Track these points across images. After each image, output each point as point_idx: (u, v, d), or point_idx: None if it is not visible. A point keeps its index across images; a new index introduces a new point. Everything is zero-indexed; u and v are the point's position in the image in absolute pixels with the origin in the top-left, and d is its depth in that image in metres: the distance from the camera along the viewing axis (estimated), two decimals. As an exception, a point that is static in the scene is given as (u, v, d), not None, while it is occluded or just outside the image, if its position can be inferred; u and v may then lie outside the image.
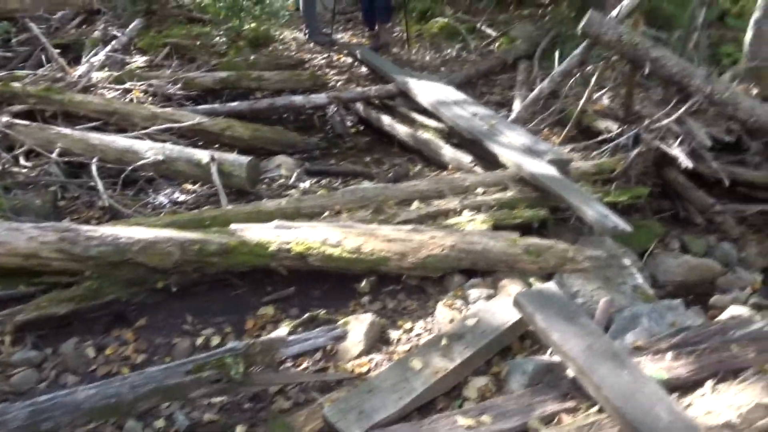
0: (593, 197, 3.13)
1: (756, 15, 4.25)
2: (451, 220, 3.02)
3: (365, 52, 5.85)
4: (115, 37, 5.95)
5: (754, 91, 3.98)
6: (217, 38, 6.00)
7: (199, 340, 2.38)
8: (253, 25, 6.28)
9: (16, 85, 4.10)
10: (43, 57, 5.21)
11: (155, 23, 6.40)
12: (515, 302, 2.05)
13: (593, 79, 4.09)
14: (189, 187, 3.75)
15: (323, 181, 3.95)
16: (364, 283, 2.58)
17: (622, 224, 2.82)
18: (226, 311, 2.52)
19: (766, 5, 4.13)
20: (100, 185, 3.33)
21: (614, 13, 3.90)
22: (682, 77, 3.61)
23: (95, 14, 6.72)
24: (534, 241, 2.66)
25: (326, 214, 3.00)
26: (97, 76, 4.67)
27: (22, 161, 3.56)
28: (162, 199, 3.57)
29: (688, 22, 5.27)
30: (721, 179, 3.58)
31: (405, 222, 2.96)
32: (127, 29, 5.96)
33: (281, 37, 6.58)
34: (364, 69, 5.81)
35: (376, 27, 6.25)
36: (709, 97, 3.56)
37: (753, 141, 3.69)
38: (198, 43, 5.93)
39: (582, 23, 3.72)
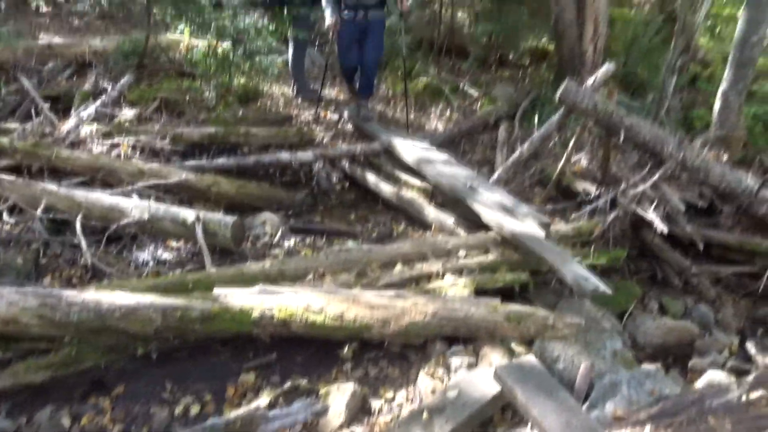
0: (573, 259, 3.19)
1: (723, 86, 4.46)
2: (434, 284, 3.05)
3: (351, 111, 5.98)
4: (105, 90, 6.03)
5: (724, 158, 4.14)
6: (207, 93, 6.10)
7: (178, 409, 2.34)
8: (242, 80, 6.42)
9: (4, 140, 4.11)
10: (33, 109, 5.25)
11: (146, 77, 6.50)
12: (496, 376, 2.07)
13: (571, 142, 4.23)
14: (173, 244, 3.74)
15: (308, 240, 3.97)
16: (346, 349, 2.58)
17: (602, 286, 2.87)
18: (207, 378, 2.49)
19: (731, 77, 4.33)
20: (83, 243, 3.31)
21: (590, 81, 4.07)
22: (656, 144, 3.76)
23: (87, 66, 6.83)
24: (515, 308, 2.69)
25: (310, 276, 3.02)
26: (85, 130, 4.71)
27: (5, 217, 3.54)
28: (145, 256, 3.55)
29: (660, 87, 5.50)
30: (696, 241, 3.68)
31: (388, 286, 2.99)
32: (119, 83, 6.04)
33: (270, 92, 6.71)
34: (350, 126, 5.93)
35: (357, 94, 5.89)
36: (682, 163, 3.70)
37: (724, 205, 3.81)
38: (187, 97, 6.02)
39: (559, 92, 3.87)
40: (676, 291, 3.93)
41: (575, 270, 2.95)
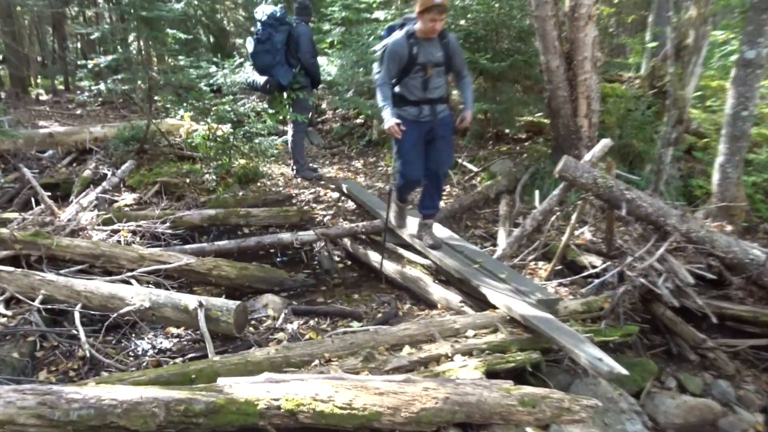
0: (585, 338, 3.18)
1: (719, 159, 4.62)
2: (443, 367, 3.03)
3: (351, 186, 6.13)
4: (105, 175, 6.20)
5: (728, 228, 4.22)
6: (207, 175, 6.28)
7: None
8: (242, 161, 6.61)
9: (4, 231, 4.19)
10: (32, 198, 5.37)
11: (146, 162, 6.70)
12: (515, 465, 2.02)
13: (574, 216, 4.32)
14: (173, 331, 3.73)
15: (311, 322, 3.97)
16: (356, 440, 2.52)
17: (617, 368, 2.85)
18: (210, 476, 2.42)
19: (726, 151, 4.50)
20: (82, 334, 3.32)
21: (587, 156, 4.22)
22: (658, 217, 3.84)
23: (87, 153, 7.05)
24: (529, 390, 2.66)
25: (316, 362, 3.00)
26: (85, 217, 4.80)
27: (2, 309, 3.54)
28: (145, 345, 3.54)
29: (657, 159, 5.68)
30: (708, 314, 3.68)
31: (396, 369, 2.97)
32: (119, 169, 6.22)
33: (269, 172, 6.89)
34: (350, 203, 6.06)
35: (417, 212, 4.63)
36: (686, 236, 3.77)
37: (734, 276, 3.84)
38: (187, 180, 6.20)
39: (558, 167, 4.00)
40: (693, 366, 3.88)
41: (589, 351, 2.94)
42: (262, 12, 6.12)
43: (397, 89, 4.05)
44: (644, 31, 10.48)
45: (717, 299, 3.89)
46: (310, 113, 7.60)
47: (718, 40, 8.62)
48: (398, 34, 3.94)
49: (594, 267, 4.15)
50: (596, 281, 3.94)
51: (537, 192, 5.24)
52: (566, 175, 3.96)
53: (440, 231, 4.69)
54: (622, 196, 3.85)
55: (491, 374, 2.97)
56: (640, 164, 5.91)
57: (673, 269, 3.65)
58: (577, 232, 4.60)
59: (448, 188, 6.32)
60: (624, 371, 2.86)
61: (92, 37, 7.99)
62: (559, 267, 4.42)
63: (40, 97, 12.21)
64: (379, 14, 7.95)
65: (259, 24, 6.11)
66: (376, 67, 4.19)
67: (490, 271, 3.88)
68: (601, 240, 4.59)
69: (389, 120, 3.79)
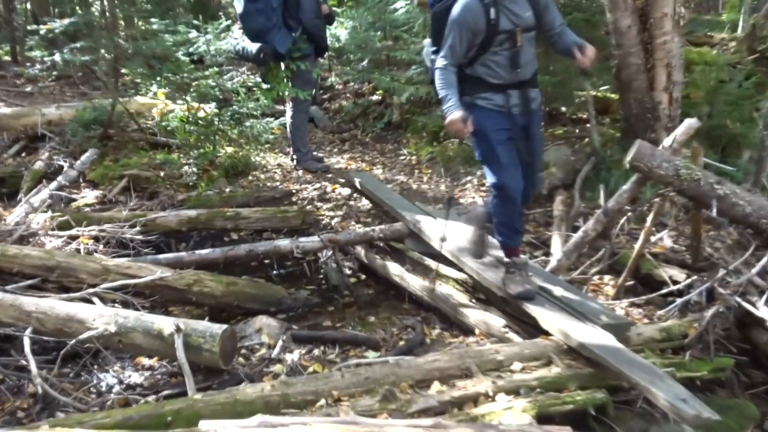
0: (664, 373, 3.16)
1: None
2: (483, 408, 3.03)
3: (366, 181, 6.16)
4: (61, 168, 6.32)
5: None
6: (186, 167, 6.37)
7: None
8: (229, 149, 6.69)
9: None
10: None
11: (111, 150, 6.81)
12: None
13: (650, 218, 4.27)
14: (145, 362, 3.79)
15: (316, 351, 4.00)
16: (372, 501, 2.53)
17: (707, 411, 2.83)
18: None
19: None
20: (33, 365, 3.38)
21: (667, 140, 4.18)
22: (760, 218, 3.79)
23: (39, 140, 7.19)
24: (593, 440, 2.65)
25: (322, 402, 3.02)
26: (37, 220, 4.90)
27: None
28: (110, 380, 3.60)
29: (758, 142, 5.60)
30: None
31: (423, 412, 2.98)
32: (78, 160, 6.33)
33: (264, 163, 6.97)
34: (365, 202, 6.09)
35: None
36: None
37: None
38: (162, 173, 6.30)
39: (629, 155, 3.97)
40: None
41: (669, 389, 2.91)
42: None
43: (469, 71, 3.64)
44: (742, -21, 10.35)
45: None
46: (314, 89, 7.64)
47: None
48: None
49: (676, 283, 4.11)
50: (679, 301, 3.90)
51: (602, 187, 5.19)
52: (640, 164, 3.92)
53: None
54: (712, 192, 3.80)
55: (544, 418, 2.96)
56: (736, 151, 5.83)
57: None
58: (653, 238, 4.56)
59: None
60: (715, 415, 2.83)
61: (45, -4, 8.14)
62: (631, 282, 4.39)
63: (-18, 73, 12.48)
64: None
65: None
66: (428, 43, 3.91)
67: (542, 288, 3.87)
68: (685, 248, 4.54)
69: (454, 113, 3.41)
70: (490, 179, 3.72)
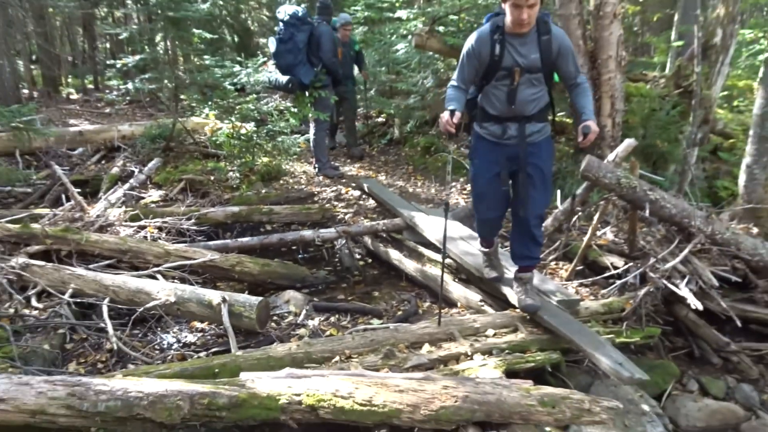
0: (605, 341, 3.15)
1: (747, 160, 4.52)
2: (463, 365, 3.03)
3: (372, 185, 6.15)
4: (133, 173, 6.31)
5: (755, 230, 4.13)
6: (231, 173, 6.35)
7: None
8: (265, 159, 6.68)
9: (36, 226, 4.29)
10: (63, 194, 5.49)
11: (172, 159, 6.80)
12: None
13: (596, 216, 4.26)
14: (197, 325, 3.79)
15: (332, 319, 3.99)
16: (375, 436, 2.53)
17: (638, 373, 2.83)
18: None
19: (754, 152, 4.40)
20: (109, 327, 3.39)
21: (611, 156, 4.17)
22: (682, 218, 3.78)
23: (115, 151, 7.19)
24: (549, 391, 2.64)
25: (336, 359, 3.02)
26: (113, 213, 4.89)
27: (34, 302, 3.63)
28: (170, 339, 3.60)
29: (681, 159, 5.58)
30: (732, 317, 3.61)
31: (416, 367, 2.98)
32: (146, 167, 6.31)
33: (292, 170, 6.94)
34: (371, 201, 6.07)
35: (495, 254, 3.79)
36: (711, 238, 3.70)
37: (759, 279, 3.76)
38: (212, 177, 6.28)
39: (581, 167, 3.96)
40: (716, 369, 3.81)
41: (609, 354, 2.91)
42: (284, 12, 6.17)
43: (478, 99, 3.24)
44: (669, 29, 10.30)
45: (742, 302, 3.81)
46: (332, 112, 7.63)
47: (746, 39, 8.43)
48: (483, 27, 3.08)
49: (616, 268, 4.10)
50: (618, 282, 3.89)
51: (558, 192, 5.18)
52: (589, 174, 3.91)
53: (461, 230, 4.68)
54: (645, 197, 3.79)
55: (511, 374, 2.96)
56: (664, 165, 5.81)
57: (697, 271, 3.59)
58: (598, 233, 4.54)
59: (468, 186, 6.30)
60: (645, 376, 2.84)
61: (121, 37, 8.12)
62: (580, 267, 4.38)
63: (71, 96, 12.47)
64: (402, 13, 7.95)
65: (281, 24, 6.16)
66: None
67: (510, 271, 3.86)
68: (623, 241, 4.53)
69: (446, 111, 2.96)
70: (473, 203, 3.51)
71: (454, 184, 6.54)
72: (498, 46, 3.01)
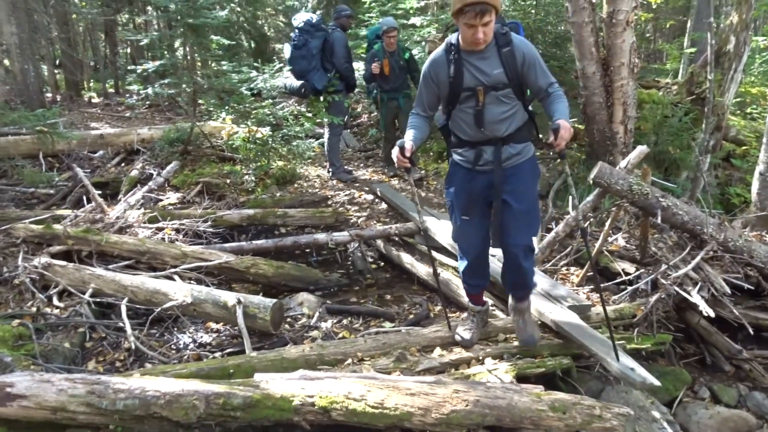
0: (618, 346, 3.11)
1: (760, 167, 4.46)
2: (474, 369, 3.01)
3: (385, 190, 6.15)
4: (151, 175, 6.38)
5: None
6: (246, 176, 6.39)
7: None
8: (280, 163, 6.71)
9: (58, 227, 4.34)
10: (84, 196, 5.56)
11: (189, 162, 6.86)
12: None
13: (608, 222, 4.23)
14: (213, 326, 3.81)
15: (344, 321, 3.99)
16: (386, 439, 2.52)
17: (650, 378, 2.79)
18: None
19: (767, 159, 4.34)
20: (128, 327, 3.42)
21: (623, 162, 4.13)
22: (694, 225, 3.74)
23: (135, 154, 7.26)
24: (559, 396, 2.62)
25: (349, 361, 3.02)
26: (132, 215, 4.94)
27: (55, 301, 3.68)
28: (186, 339, 3.62)
29: (693, 166, 5.52)
30: (745, 325, 3.56)
31: (427, 371, 2.97)
32: (164, 170, 6.37)
33: (306, 174, 6.97)
34: (384, 205, 6.07)
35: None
36: (723, 245, 3.65)
37: (772, 287, 3.71)
38: (228, 181, 6.32)
39: (593, 173, 3.92)
40: (728, 377, 3.76)
41: (621, 360, 2.87)
42: (299, 19, 6.24)
43: (449, 124, 2.90)
44: (682, 36, 10.22)
45: (754, 310, 3.76)
46: (346, 116, 7.65)
47: (760, 46, 8.33)
48: (439, 47, 2.79)
49: (627, 274, 4.06)
50: (629, 288, 3.85)
51: (570, 197, 5.14)
52: (601, 181, 3.88)
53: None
54: (657, 204, 3.75)
55: (521, 378, 2.94)
56: (677, 171, 5.75)
57: (709, 278, 3.54)
58: (610, 239, 4.50)
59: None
60: (656, 382, 2.79)
61: (141, 43, 8.21)
62: (591, 273, 4.33)
63: (92, 100, 12.63)
64: (416, 20, 7.96)
65: (296, 30, 6.22)
66: None
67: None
68: (634, 247, 4.48)
69: (396, 147, 2.68)
70: (452, 234, 3.07)
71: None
72: (453, 67, 2.69)
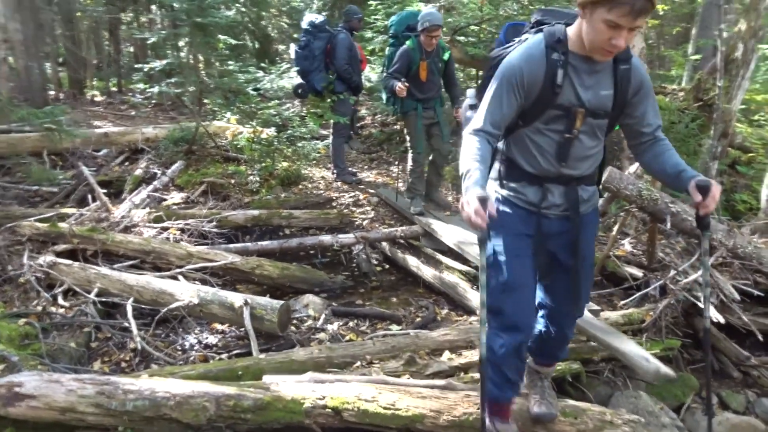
0: (630, 339, 3.11)
1: (769, 177, 4.45)
2: (483, 374, 2.99)
3: (389, 194, 6.14)
4: (156, 174, 6.36)
5: (776, 244, 4.06)
6: (251, 177, 6.37)
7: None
8: (284, 164, 6.70)
9: (63, 225, 4.32)
10: (89, 194, 5.54)
11: (194, 162, 6.83)
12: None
13: (616, 228, 4.21)
14: (218, 327, 3.79)
15: (350, 323, 3.97)
16: (398, 442, 2.50)
17: (664, 368, 2.78)
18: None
19: (778, 167, 4.33)
20: (133, 327, 3.40)
21: (632, 168, 4.12)
22: (704, 231, 3.71)
23: (139, 153, 7.24)
24: (570, 402, 2.61)
25: (358, 363, 3.01)
26: (137, 214, 4.92)
27: (60, 301, 3.66)
28: (192, 340, 3.60)
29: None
30: (754, 331, 3.54)
31: (437, 374, 2.95)
32: (169, 170, 6.35)
33: (311, 175, 6.95)
34: (388, 208, 6.05)
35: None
36: (732, 251, 3.64)
37: (782, 294, 3.69)
38: (233, 181, 6.30)
39: (603, 178, 3.90)
40: (736, 383, 3.74)
41: (634, 350, 2.86)
42: (305, 20, 6.32)
43: (502, 146, 2.20)
44: (686, 43, 10.22)
45: (763, 316, 3.74)
46: (351, 117, 7.64)
47: (766, 54, 8.34)
48: (532, 40, 2.02)
49: (635, 279, 4.04)
50: (638, 293, 3.83)
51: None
52: (611, 186, 3.86)
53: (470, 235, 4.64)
54: (667, 209, 3.74)
55: (531, 383, 2.92)
56: (683, 177, 5.72)
57: (718, 284, 3.52)
58: (618, 244, 4.48)
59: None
60: (671, 372, 2.79)
61: (148, 42, 8.20)
62: (598, 278, 4.32)
63: (95, 99, 12.60)
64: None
65: (302, 31, 6.28)
66: (471, 94, 2.42)
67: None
68: (641, 252, 4.46)
69: (471, 194, 1.79)
70: (486, 298, 1.99)
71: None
72: (560, 72, 1.95)
